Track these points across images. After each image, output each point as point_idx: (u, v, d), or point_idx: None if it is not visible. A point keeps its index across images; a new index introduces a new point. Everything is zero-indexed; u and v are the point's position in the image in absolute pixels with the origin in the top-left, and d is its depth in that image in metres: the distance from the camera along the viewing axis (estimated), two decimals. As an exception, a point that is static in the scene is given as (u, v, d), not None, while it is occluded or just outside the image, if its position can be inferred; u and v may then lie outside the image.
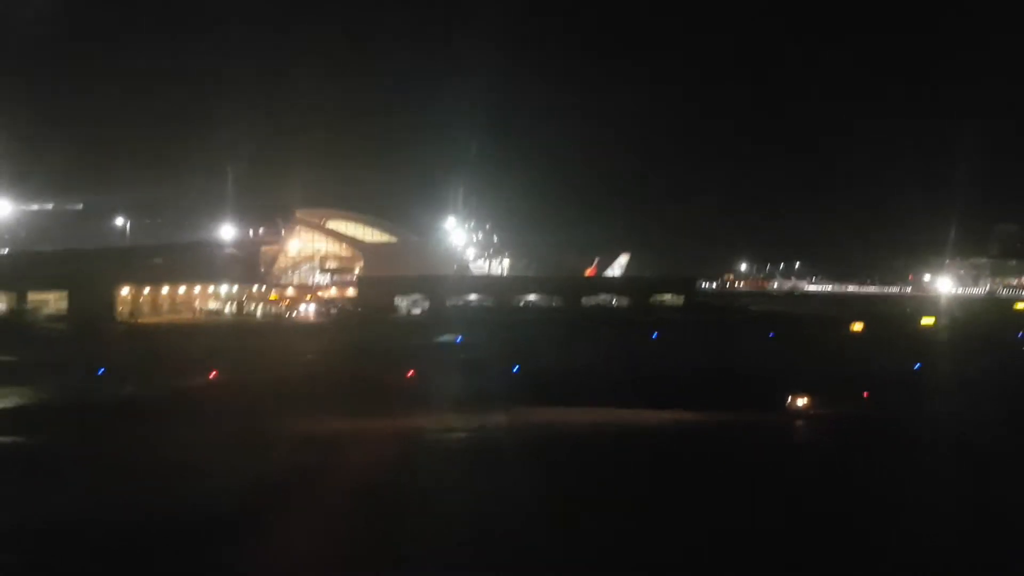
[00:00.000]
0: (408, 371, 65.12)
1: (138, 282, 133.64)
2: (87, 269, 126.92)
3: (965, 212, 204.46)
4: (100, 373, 65.95)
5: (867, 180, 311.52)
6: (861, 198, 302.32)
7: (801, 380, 54.16)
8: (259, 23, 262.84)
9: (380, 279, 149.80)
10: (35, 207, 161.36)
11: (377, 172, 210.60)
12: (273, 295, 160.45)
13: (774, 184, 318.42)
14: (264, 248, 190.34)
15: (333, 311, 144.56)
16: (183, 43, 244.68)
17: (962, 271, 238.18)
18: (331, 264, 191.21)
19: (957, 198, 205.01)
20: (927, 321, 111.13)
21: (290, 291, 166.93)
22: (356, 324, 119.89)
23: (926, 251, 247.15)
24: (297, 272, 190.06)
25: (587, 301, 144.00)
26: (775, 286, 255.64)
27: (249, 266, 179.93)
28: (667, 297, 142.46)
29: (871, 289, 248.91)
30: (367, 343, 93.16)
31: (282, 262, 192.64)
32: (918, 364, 70.62)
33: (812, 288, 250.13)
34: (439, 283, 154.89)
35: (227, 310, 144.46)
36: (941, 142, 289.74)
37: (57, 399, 53.94)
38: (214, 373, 65.12)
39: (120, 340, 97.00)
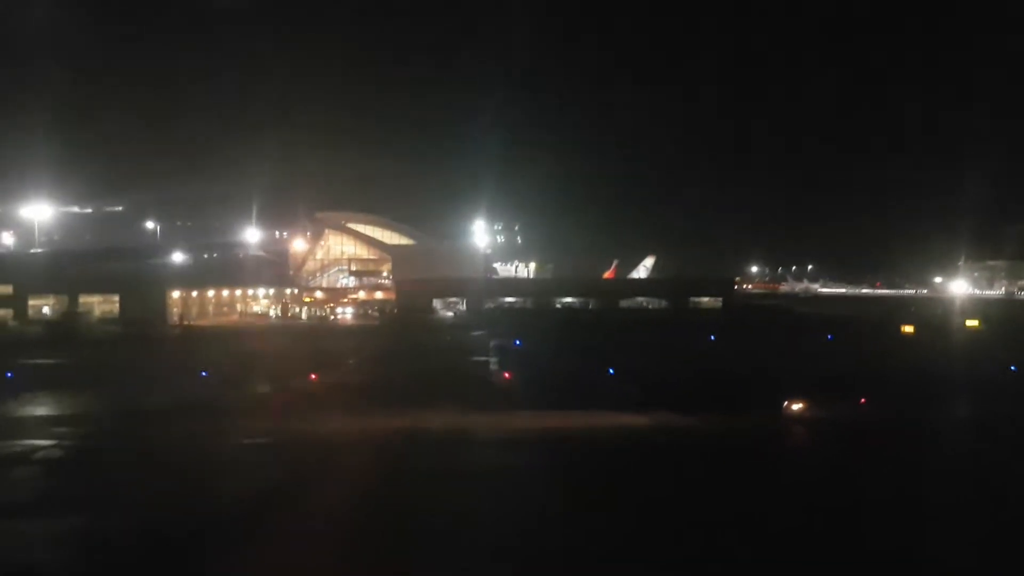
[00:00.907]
0: (504, 372, 66.88)
1: (186, 286, 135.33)
2: (139, 273, 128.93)
3: (977, 213, 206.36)
4: (203, 375, 67.92)
5: (877, 182, 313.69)
6: (871, 200, 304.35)
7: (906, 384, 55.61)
8: (288, 33, 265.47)
9: (419, 282, 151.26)
10: (75, 209, 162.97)
11: (403, 176, 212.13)
12: (308, 297, 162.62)
13: (781, 187, 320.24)
14: (293, 251, 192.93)
15: (373, 313, 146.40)
16: (217, 53, 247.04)
17: (976, 273, 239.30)
18: (359, 267, 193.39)
19: (970, 199, 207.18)
20: (971, 323, 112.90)
21: (319, 294, 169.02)
22: (410, 326, 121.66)
23: (938, 253, 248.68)
24: (326, 275, 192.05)
25: (625, 303, 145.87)
26: (786, 288, 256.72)
27: (280, 269, 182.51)
28: (705, 300, 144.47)
29: (885, 292, 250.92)
30: (433, 345, 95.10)
31: (310, 265, 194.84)
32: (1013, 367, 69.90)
33: (825, 291, 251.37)
34: (477, 286, 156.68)
35: (272, 313, 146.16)
36: (952, 143, 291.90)
37: (187, 400, 55.03)
38: (314, 376, 66.96)
39: (192, 343, 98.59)
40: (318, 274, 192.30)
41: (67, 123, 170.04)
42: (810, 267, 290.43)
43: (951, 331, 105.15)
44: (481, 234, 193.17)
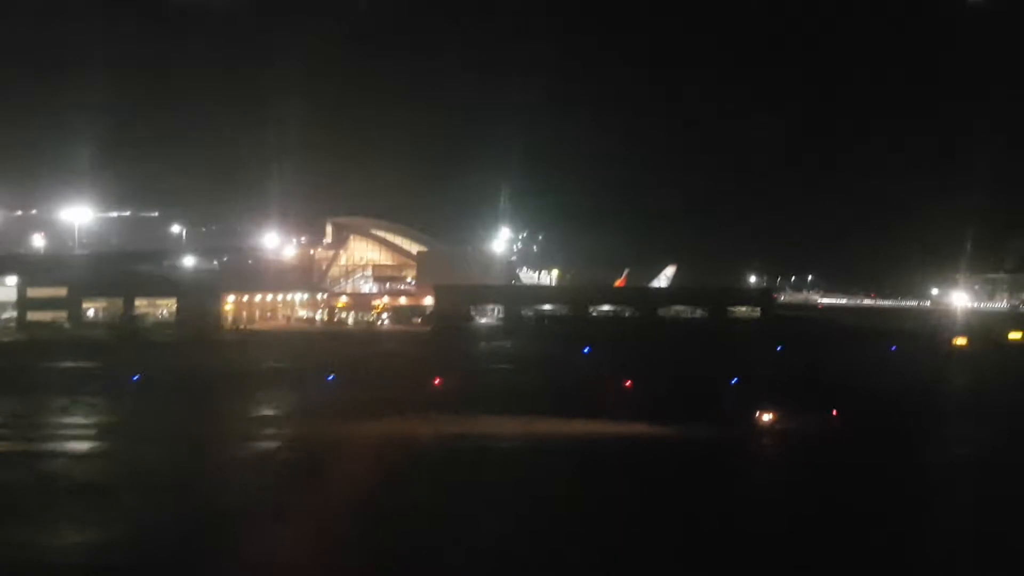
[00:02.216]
0: (625, 381, 68.67)
1: (237, 291, 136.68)
2: (195, 278, 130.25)
3: (977, 226, 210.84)
4: (330, 379, 69.90)
5: (877, 192, 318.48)
6: (871, 210, 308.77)
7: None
8: (311, 42, 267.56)
9: (456, 288, 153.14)
10: (114, 214, 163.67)
11: (428, 183, 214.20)
12: (341, 303, 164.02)
13: (780, 196, 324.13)
14: (319, 256, 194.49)
15: (416, 320, 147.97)
16: (245, 62, 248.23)
17: (976, 286, 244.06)
18: (382, 273, 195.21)
19: (970, 211, 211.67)
20: (1015, 335, 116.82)
21: (344, 299, 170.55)
22: (467, 333, 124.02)
23: (935, 266, 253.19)
24: (350, 280, 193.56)
25: (662, 312, 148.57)
26: (787, 299, 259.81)
27: (307, 275, 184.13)
28: (742, 309, 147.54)
29: (887, 302, 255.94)
30: (508, 351, 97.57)
31: (334, 271, 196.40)
32: None
33: (825, 301, 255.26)
34: (514, 292, 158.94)
35: (317, 317, 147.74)
36: (952, 154, 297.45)
37: (361, 401, 56.58)
38: (438, 380, 69.10)
39: (275, 347, 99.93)
40: (342, 279, 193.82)
41: (94, 128, 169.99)
42: (810, 277, 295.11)
43: (997, 342, 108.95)
44: (501, 241, 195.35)
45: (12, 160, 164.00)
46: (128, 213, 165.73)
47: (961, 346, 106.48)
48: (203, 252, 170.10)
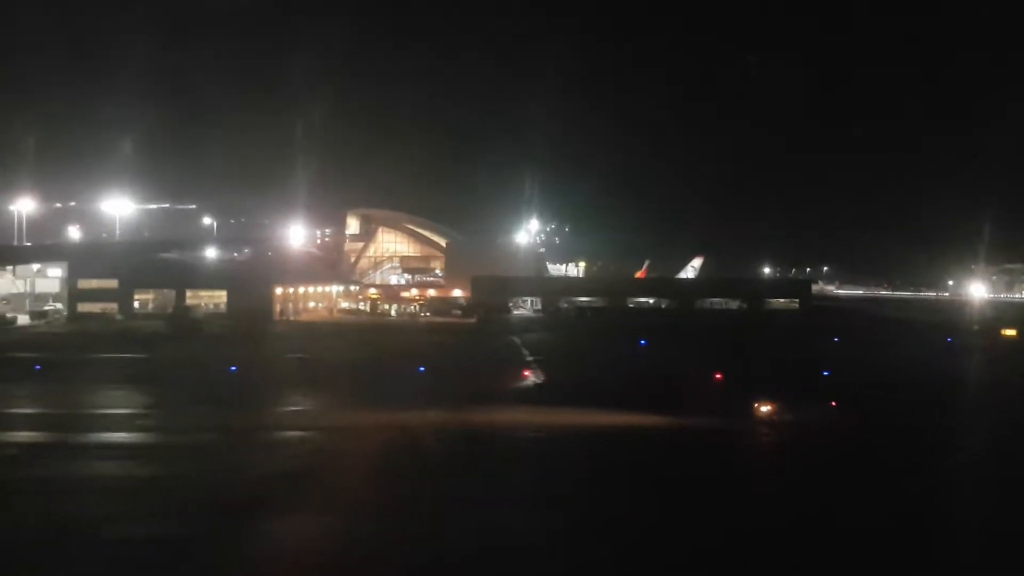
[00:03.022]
0: (715, 373, 68.88)
1: (285, 283, 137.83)
2: (246, 269, 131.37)
3: (994, 216, 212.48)
4: (421, 371, 71.16)
5: (892, 183, 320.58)
6: (886, 201, 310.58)
7: None
8: (336, 38, 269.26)
9: (494, 279, 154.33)
10: (153, 206, 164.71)
11: (454, 176, 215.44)
12: (375, 294, 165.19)
13: (794, 188, 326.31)
14: (347, 248, 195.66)
15: (456, 312, 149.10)
16: (272, 61, 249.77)
17: (994, 276, 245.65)
18: (411, 265, 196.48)
19: (986, 202, 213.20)
20: None
21: (372, 291, 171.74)
22: (513, 324, 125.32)
23: (953, 256, 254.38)
24: (379, 272, 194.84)
25: (699, 305, 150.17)
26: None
27: (337, 266, 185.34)
28: (780, 301, 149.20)
29: (905, 293, 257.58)
30: (567, 343, 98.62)
31: (363, 263, 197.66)
32: None
33: (842, 292, 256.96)
34: (552, 284, 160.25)
35: (361, 308, 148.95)
36: (967, 145, 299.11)
37: (453, 394, 57.08)
38: (526, 372, 70.44)
39: (338, 339, 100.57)
40: (370, 271, 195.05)
41: (124, 124, 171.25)
42: (825, 268, 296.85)
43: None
44: (529, 233, 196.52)
45: (45, 154, 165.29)
46: (167, 206, 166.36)
47: (1012, 337, 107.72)
48: (235, 244, 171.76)
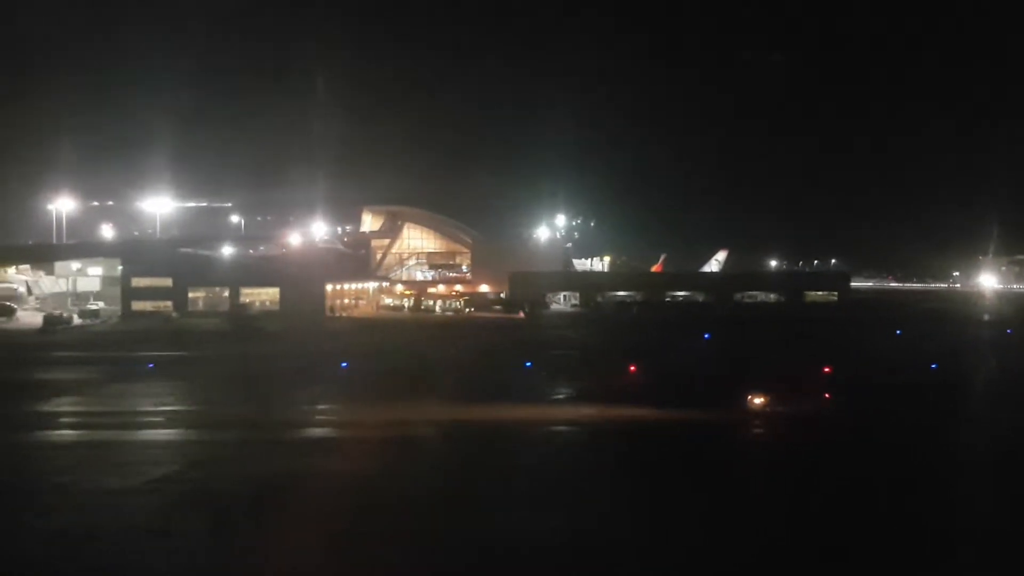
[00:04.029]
0: (824, 367, 66.91)
1: (333, 280, 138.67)
2: (299, 267, 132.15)
3: (1001, 207, 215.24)
4: (528, 367, 72.24)
5: (900, 176, 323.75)
6: (891, 194, 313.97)
7: None
8: (364, 41, 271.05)
9: (533, 275, 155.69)
10: (192, 204, 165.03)
11: (482, 172, 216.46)
12: (408, 291, 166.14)
13: (801, 180, 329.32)
14: (374, 245, 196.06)
15: (497, 308, 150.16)
16: (304, 62, 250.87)
17: (1004, 268, 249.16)
18: (437, 261, 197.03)
19: (994, 194, 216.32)
20: None
21: (400, 287, 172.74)
22: (571, 321, 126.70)
23: (959, 247, 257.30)
24: (405, 268, 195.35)
25: (738, 297, 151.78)
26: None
27: (364, 263, 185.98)
28: (818, 294, 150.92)
29: (917, 285, 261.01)
30: (630, 338, 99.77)
31: (388, 259, 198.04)
32: None
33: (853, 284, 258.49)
34: (589, 279, 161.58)
35: (404, 305, 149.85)
36: (975, 136, 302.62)
37: (586, 391, 58.22)
38: (632, 368, 71.37)
39: (405, 335, 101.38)
40: (397, 268, 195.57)
41: (149, 126, 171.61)
42: (833, 261, 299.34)
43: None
44: (555, 229, 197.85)
45: (76, 154, 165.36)
46: (205, 204, 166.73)
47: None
48: (266, 242, 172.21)
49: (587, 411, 51.60)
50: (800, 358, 74.04)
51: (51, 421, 49.77)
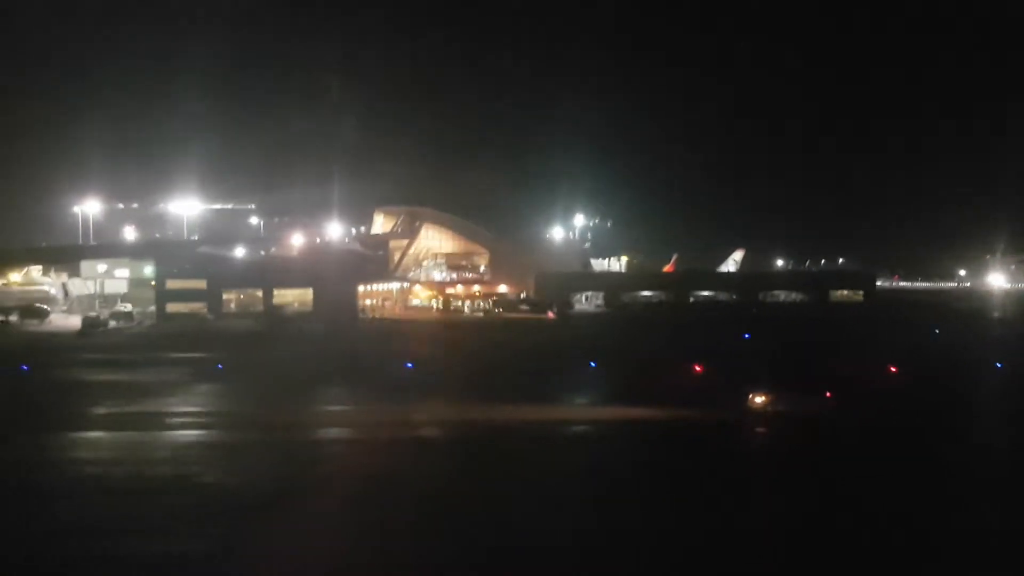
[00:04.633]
0: (890, 366, 68.30)
1: (363, 282, 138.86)
2: (331, 267, 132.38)
3: (1009, 206, 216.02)
4: (593, 366, 72.68)
5: (904, 174, 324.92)
6: (897, 193, 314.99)
7: None
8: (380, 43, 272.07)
9: (558, 276, 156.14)
10: (217, 206, 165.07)
11: (501, 172, 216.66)
12: (432, 291, 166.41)
13: (807, 179, 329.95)
14: (392, 246, 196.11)
15: (523, 308, 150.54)
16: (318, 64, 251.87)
17: (1012, 266, 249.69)
18: (454, 262, 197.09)
19: (1002, 192, 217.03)
20: None
21: (417, 287, 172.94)
22: (603, 321, 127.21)
23: (965, 246, 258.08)
24: (423, 269, 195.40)
25: (762, 297, 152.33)
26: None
27: (383, 264, 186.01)
28: (843, 293, 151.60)
29: (926, 284, 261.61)
30: (678, 337, 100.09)
31: (407, 260, 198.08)
32: None
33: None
34: (615, 280, 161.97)
35: (432, 305, 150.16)
36: (981, 135, 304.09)
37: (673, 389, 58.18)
38: (698, 367, 71.48)
39: (464, 336, 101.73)
40: (415, 268, 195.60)
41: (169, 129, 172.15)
42: (840, 260, 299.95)
43: None
44: (572, 229, 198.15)
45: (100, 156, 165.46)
46: (231, 207, 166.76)
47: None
48: (284, 243, 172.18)
49: (686, 413, 51.66)
50: (864, 357, 74.45)
51: (177, 421, 50.39)
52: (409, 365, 71.69)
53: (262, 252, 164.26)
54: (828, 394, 54.90)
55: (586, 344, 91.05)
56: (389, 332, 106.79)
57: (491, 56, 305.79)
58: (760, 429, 48.72)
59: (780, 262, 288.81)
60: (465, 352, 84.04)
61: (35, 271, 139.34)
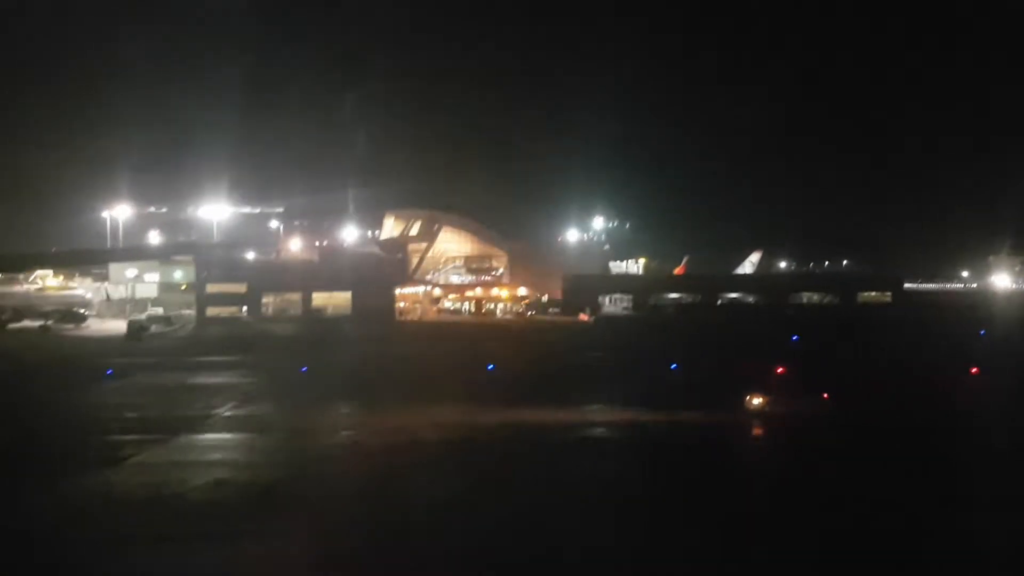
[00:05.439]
0: (972, 368, 68.35)
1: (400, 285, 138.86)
2: (369, 270, 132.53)
3: (1013, 206, 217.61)
4: (673, 368, 72.92)
5: (904, 175, 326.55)
6: (898, 193, 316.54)
7: None
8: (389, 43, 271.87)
9: (586, 278, 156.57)
10: (246, 210, 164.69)
11: (519, 174, 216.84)
12: (456, 294, 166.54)
13: (809, 181, 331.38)
14: (411, 249, 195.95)
15: (553, 310, 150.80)
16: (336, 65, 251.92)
17: (1017, 267, 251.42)
18: (472, 265, 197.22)
19: (1007, 191, 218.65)
20: None
21: (436, 290, 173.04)
22: (639, 323, 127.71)
23: (968, 246, 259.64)
24: (442, 272, 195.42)
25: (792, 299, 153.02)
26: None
27: (402, 267, 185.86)
28: (871, 295, 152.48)
29: (931, 285, 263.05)
30: (732, 340, 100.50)
31: (426, 263, 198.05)
32: None
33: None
34: (643, 282, 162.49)
35: (463, 308, 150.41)
36: (984, 133, 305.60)
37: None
38: (782, 369, 71.03)
39: (517, 340, 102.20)
40: (433, 271, 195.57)
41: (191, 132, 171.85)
42: (845, 262, 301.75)
43: None
44: (591, 231, 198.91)
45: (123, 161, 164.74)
46: (259, 211, 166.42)
47: None
48: (312, 246, 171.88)
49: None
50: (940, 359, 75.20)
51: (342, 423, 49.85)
52: (490, 367, 71.96)
53: (279, 255, 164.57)
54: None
55: (644, 345, 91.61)
56: (439, 334, 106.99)
57: (507, 57, 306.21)
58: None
59: (783, 264, 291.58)
60: (533, 354, 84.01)
61: (66, 276, 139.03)
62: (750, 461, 43.36)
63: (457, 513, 32.30)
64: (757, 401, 51.89)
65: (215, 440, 45.74)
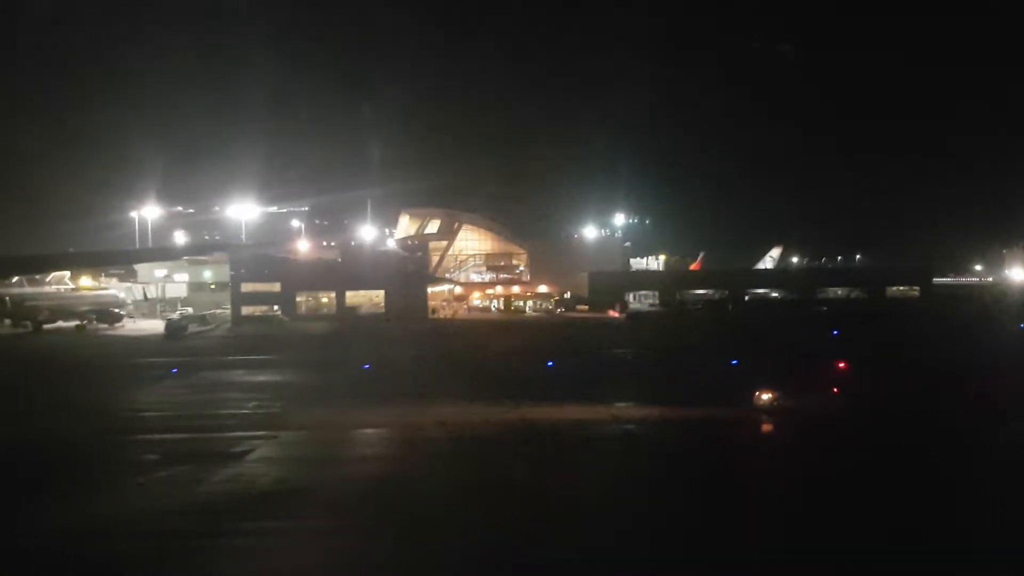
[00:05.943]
0: None
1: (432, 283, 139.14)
2: (400, 270, 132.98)
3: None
4: (734, 364, 72.85)
5: (915, 168, 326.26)
6: (910, 187, 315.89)
7: None
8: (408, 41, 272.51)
9: (612, 275, 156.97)
10: (271, 209, 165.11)
11: (539, 172, 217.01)
12: (481, 293, 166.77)
13: (817, 176, 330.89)
14: (432, 247, 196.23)
15: (581, 307, 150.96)
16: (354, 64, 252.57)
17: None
18: (493, 263, 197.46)
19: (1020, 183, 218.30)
20: None
21: (457, 289, 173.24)
22: (668, 320, 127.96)
23: (982, 240, 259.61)
24: (463, 270, 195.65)
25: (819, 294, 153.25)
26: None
27: (424, 265, 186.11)
28: (899, 289, 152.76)
29: (946, 279, 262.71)
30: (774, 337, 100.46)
31: (446, 261, 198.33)
32: None
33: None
34: (668, 279, 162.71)
35: (493, 306, 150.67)
36: (994, 128, 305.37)
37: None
38: (843, 364, 70.60)
39: (568, 337, 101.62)
40: (454, 270, 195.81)
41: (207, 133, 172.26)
42: (858, 257, 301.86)
43: None
44: (611, 228, 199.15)
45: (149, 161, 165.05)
46: (286, 210, 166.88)
47: None
48: (342, 245, 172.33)
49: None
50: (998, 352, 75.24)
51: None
52: (550, 364, 72.15)
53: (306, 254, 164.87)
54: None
55: (686, 342, 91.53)
56: (477, 331, 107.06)
57: (527, 55, 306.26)
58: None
59: (795, 259, 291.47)
60: (579, 352, 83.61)
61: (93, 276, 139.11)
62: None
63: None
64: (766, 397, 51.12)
65: (322, 436, 45.48)
